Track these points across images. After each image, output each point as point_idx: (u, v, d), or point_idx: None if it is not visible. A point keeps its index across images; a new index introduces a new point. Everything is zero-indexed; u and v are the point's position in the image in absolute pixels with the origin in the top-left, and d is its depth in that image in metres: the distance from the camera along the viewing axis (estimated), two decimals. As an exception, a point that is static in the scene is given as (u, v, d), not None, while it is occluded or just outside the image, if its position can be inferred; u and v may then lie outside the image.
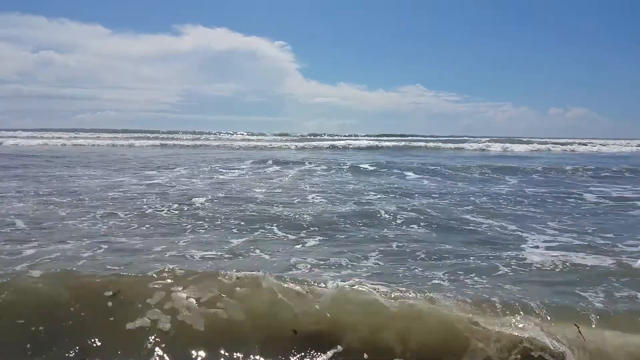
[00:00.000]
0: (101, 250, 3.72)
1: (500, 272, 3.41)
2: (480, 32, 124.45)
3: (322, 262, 3.53)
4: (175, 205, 5.97)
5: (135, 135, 37.77)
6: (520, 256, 3.84)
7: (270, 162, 14.05)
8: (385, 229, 4.85)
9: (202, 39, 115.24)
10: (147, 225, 4.82)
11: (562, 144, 29.17)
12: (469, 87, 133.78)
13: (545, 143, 29.62)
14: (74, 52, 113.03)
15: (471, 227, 5.05)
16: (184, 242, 4.14)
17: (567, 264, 3.59)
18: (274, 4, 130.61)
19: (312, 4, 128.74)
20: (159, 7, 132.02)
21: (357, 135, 47.82)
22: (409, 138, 39.75)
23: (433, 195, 7.53)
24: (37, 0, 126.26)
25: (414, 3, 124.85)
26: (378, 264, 3.61)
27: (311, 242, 4.29)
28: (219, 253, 3.76)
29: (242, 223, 5.02)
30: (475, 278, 3.24)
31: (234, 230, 4.71)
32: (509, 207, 6.39)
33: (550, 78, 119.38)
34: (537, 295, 2.76)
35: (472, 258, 3.78)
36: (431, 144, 27.67)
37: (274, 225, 4.95)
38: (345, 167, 12.39)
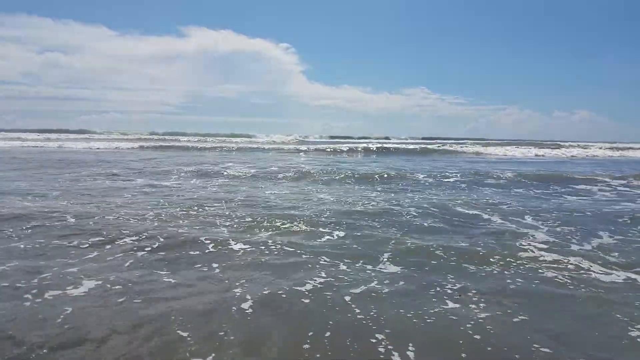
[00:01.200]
0: None
1: None
2: (482, 35, 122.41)
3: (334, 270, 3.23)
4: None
5: (139, 136, 36.67)
6: None
7: (273, 165, 12.93)
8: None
9: (206, 40, 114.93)
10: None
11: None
12: (473, 91, 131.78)
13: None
14: (79, 54, 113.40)
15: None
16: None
17: None
18: (279, 7, 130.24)
19: (316, 6, 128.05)
20: (163, 9, 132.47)
21: (364, 138, 46.20)
22: (429, 141, 37.88)
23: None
24: (43, 2, 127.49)
25: (418, 6, 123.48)
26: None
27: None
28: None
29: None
30: None
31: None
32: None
33: (554, 81, 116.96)
34: None
35: None
36: (454, 147, 25.63)
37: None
38: (349, 172, 10.72)
